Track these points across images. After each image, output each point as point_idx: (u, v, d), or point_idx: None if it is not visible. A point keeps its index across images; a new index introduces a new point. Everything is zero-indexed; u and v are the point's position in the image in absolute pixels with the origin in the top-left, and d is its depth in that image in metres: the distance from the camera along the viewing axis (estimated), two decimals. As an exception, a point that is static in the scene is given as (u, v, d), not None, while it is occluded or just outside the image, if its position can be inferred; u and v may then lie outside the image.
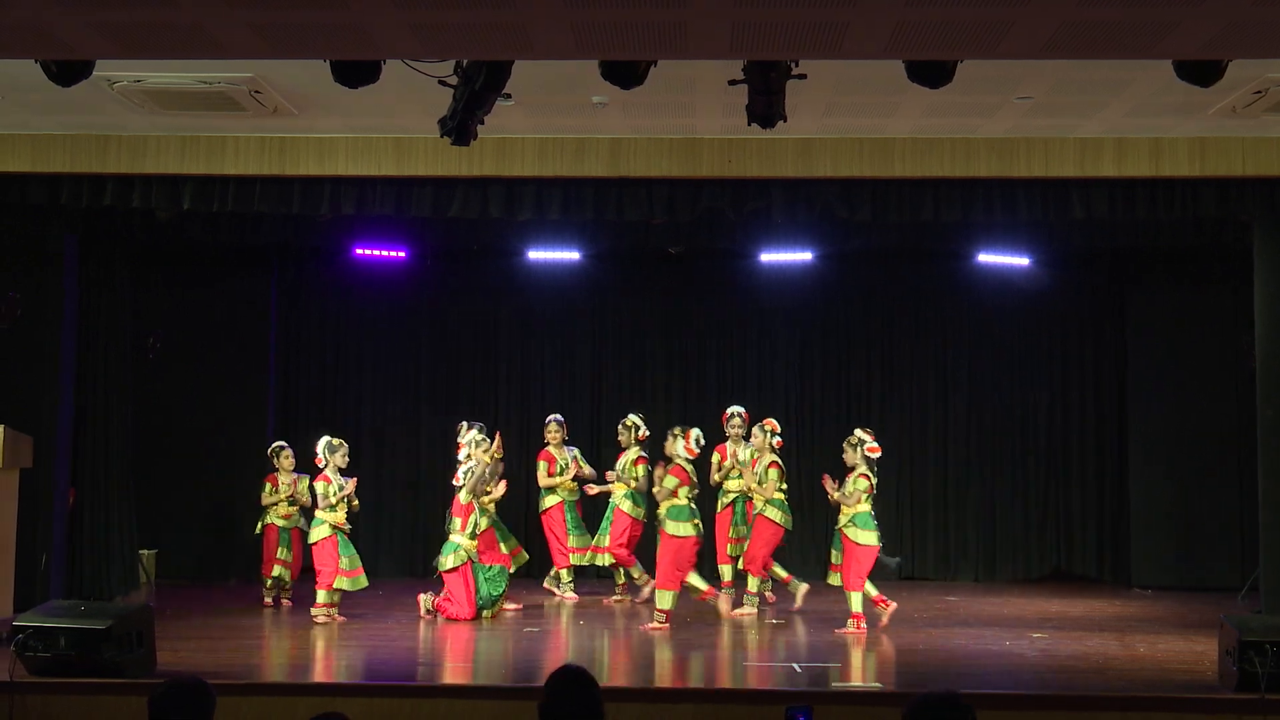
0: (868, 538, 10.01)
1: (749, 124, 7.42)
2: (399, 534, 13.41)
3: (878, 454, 10.38)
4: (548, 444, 11.79)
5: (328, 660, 9.01)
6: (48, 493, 10.68)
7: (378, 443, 13.78)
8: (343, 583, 10.39)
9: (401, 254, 13.67)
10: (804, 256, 13.49)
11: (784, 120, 7.37)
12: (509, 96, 8.02)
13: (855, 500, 10.07)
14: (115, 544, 11.76)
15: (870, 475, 10.18)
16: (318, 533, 10.54)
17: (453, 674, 8.80)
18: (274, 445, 11.68)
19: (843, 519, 10.09)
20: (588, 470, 11.84)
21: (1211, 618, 10.08)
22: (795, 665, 8.77)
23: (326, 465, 10.67)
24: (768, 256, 13.50)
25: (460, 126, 7.42)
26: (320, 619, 10.31)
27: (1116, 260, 13.37)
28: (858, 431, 10.53)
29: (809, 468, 13.78)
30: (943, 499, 13.81)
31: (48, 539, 10.63)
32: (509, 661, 9.23)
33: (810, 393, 13.95)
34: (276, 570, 11.26)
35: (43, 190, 9.95)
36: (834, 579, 10.44)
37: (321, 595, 10.38)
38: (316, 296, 14.00)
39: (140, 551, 12.42)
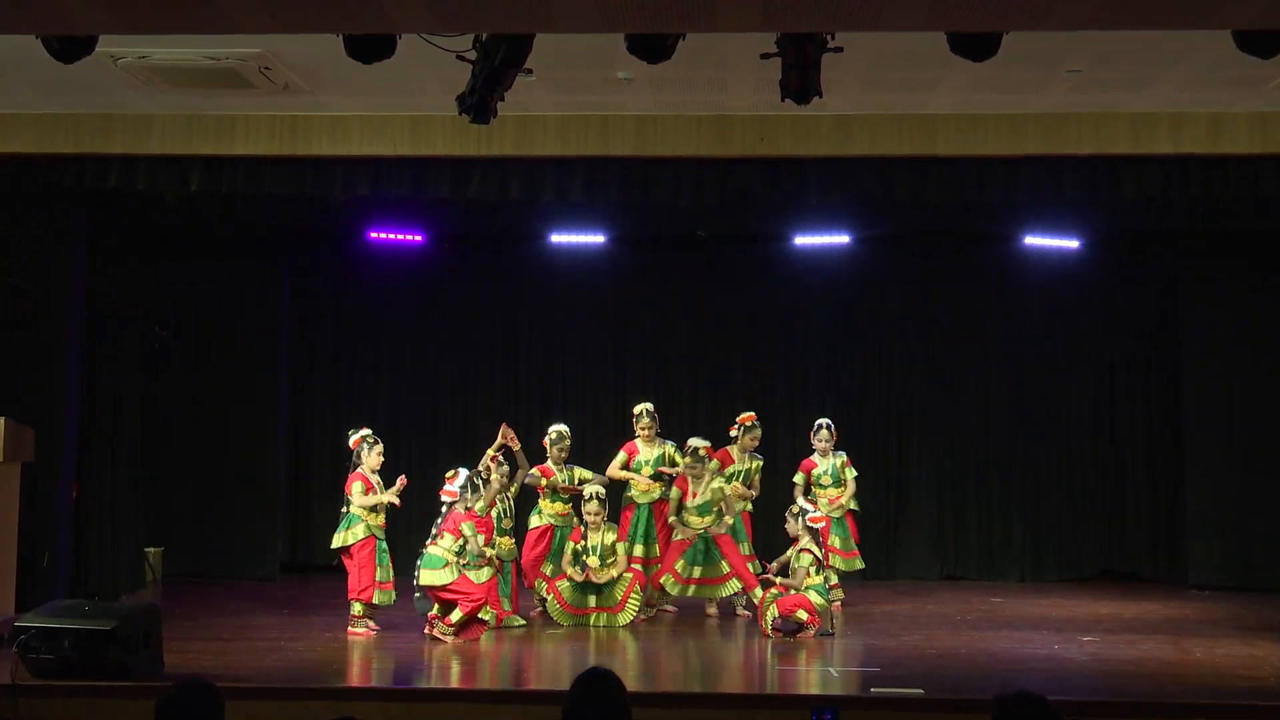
0: (822, 604, 9.98)
1: (783, 100, 7.40)
2: (417, 530, 13.40)
3: (821, 524, 10.28)
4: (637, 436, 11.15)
5: (341, 663, 9.03)
6: (51, 487, 10.74)
7: (394, 432, 13.79)
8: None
9: (418, 237, 13.69)
10: (840, 239, 13.42)
11: (819, 96, 7.34)
12: (530, 72, 8.01)
13: (801, 579, 9.96)
14: (121, 541, 11.82)
15: (815, 548, 10.08)
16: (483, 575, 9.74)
17: (470, 678, 8.80)
18: (361, 433, 10.30)
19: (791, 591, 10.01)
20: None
21: (1273, 620, 10.03)
22: (830, 669, 8.75)
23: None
24: (802, 240, 13.45)
25: (479, 104, 7.42)
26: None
27: (1171, 242, 13.25)
28: (800, 501, 10.44)
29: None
30: (986, 494, 13.75)
31: (51, 535, 10.68)
32: (529, 665, 9.27)
33: (845, 382, 13.89)
34: (378, 596, 9.92)
35: (45, 172, 10.00)
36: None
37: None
38: (330, 282, 14.03)
39: (147, 549, 12.49)
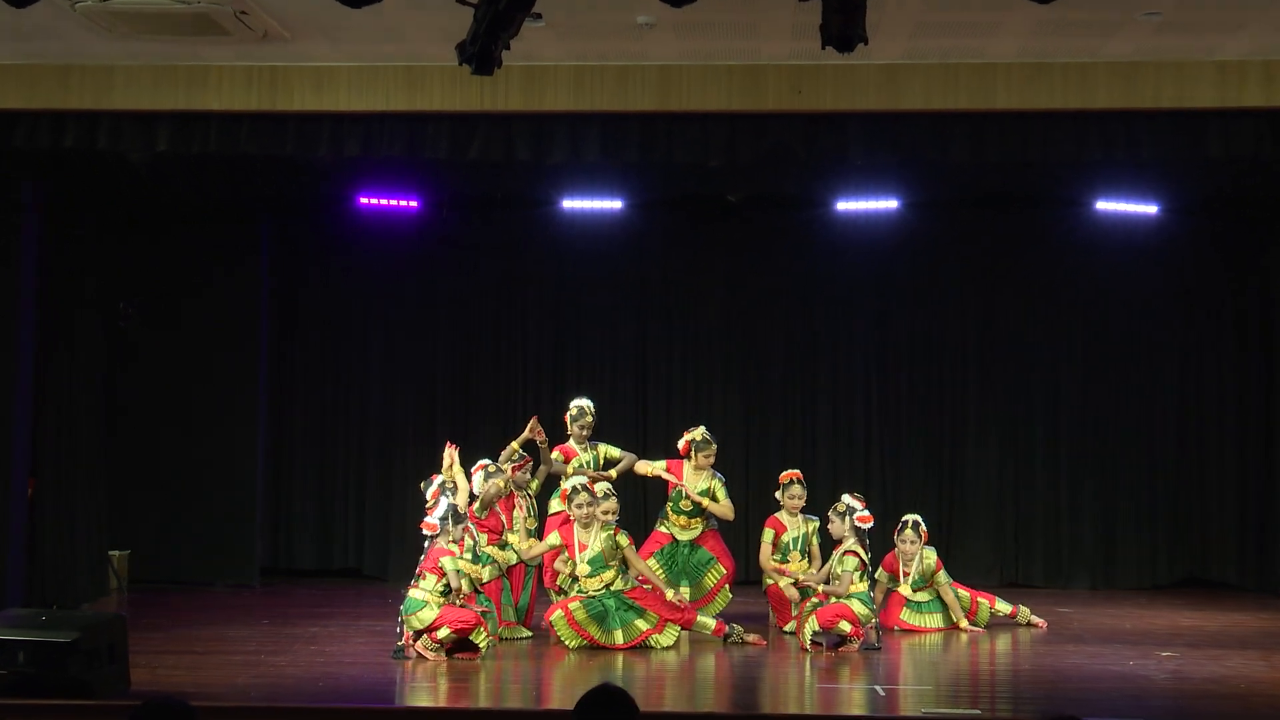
0: (867, 614, 9.99)
1: (823, 47, 7.35)
2: (412, 531, 13.44)
3: (870, 524, 10.23)
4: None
5: (328, 679, 9.06)
6: (4, 484, 10.81)
7: (387, 424, 13.85)
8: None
9: (413, 204, 13.70)
10: (888, 205, 13.42)
11: (864, 43, 7.30)
12: (539, 17, 7.99)
13: (846, 585, 9.95)
14: (82, 543, 11.88)
15: (861, 551, 10.06)
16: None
17: (460, 696, 8.84)
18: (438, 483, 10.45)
19: (832, 598, 9.98)
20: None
21: (1376, 634, 10.00)
22: (878, 688, 8.76)
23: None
24: (844, 205, 13.44)
25: (482, 53, 7.40)
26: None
27: (1263, 208, 13.20)
28: (845, 498, 10.40)
29: (891, 455, 13.75)
30: (1053, 492, 13.71)
31: (3, 538, 10.74)
32: (530, 681, 9.34)
33: (893, 364, 13.87)
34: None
35: (-6, 130, 10.03)
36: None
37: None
38: (315, 253, 14.04)
39: (111, 552, 12.54)
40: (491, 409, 13.68)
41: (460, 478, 10.09)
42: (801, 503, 10.80)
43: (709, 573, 10.80)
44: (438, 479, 10.22)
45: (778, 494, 10.91)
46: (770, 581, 10.78)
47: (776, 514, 10.88)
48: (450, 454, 10.35)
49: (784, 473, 11.04)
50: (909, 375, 13.88)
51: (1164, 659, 9.72)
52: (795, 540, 10.75)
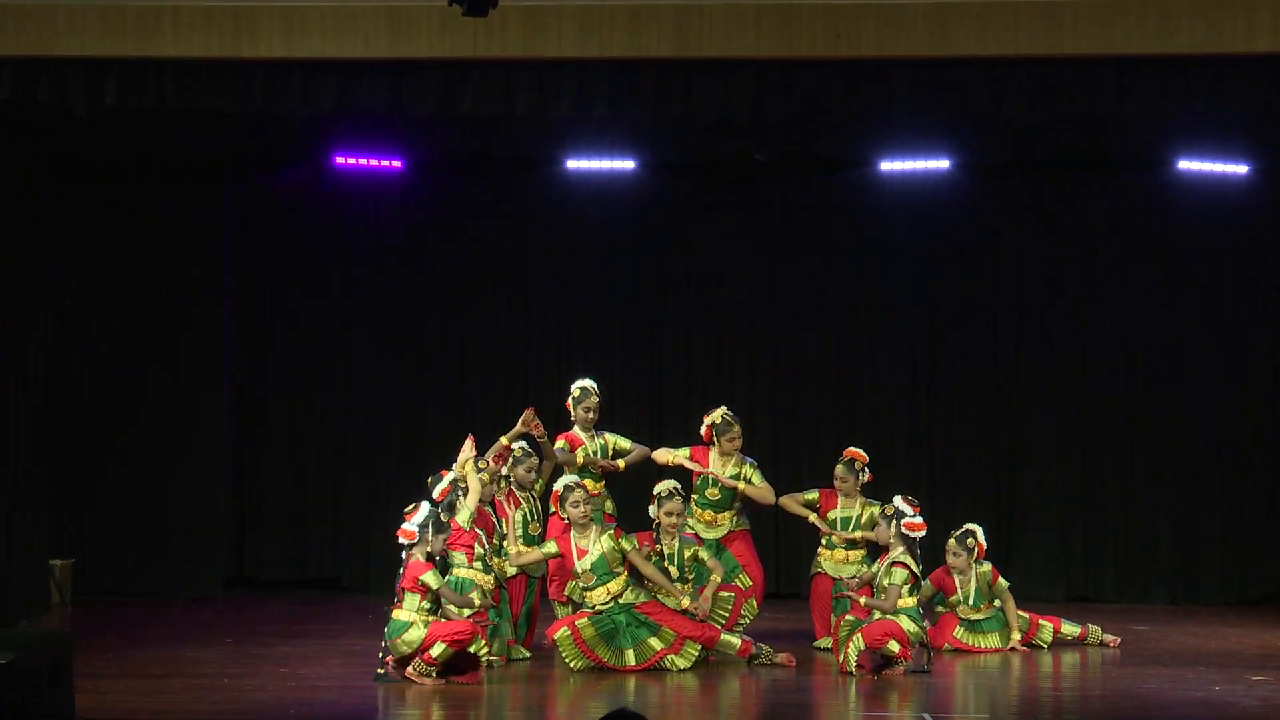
0: (916, 632, 9.95)
1: (865, -17, 7.36)
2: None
3: (921, 531, 10.19)
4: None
5: (301, 705, 9.07)
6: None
7: (369, 414, 13.83)
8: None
9: (397, 164, 13.70)
10: (938, 165, 13.42)
11: (913, -23, 7.30)
12: (540, -52, 7.98)
13: (894, 600, 9.92)
14: (19, 550, 11.88)
15: (911, 562, 10.03)
16: None
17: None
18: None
19: (877, 615, 9.97)
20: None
21: None
22: (926, 716, 8.76)
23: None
24: (888, 166, 13.45)
25: (475, -11, 7.39)
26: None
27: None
28: (896, 500, 10.38)
29: (942, 451, 13.72)
30: (1127, 495, 13.68)
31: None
32: (537, 707, 9.32)
33: (943, 346, 13.84)
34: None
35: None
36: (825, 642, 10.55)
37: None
38: (285, 221, 14.01)
39: (52, 561, 12.55)
40: (487, 398, 13.64)
41: (473, 478, 10.01)
42: (864, 481, 10.92)
43: (734, 582, 10.74)
44: (448, 475, 10.15)
45: (840, 476, 10.92)
46: (817, 571, 10.89)
47: (832, 490, 10.99)
48: (469, 448, 10.24)
49: (851, 450, 11.11)
50: (961, 360, 13.84)
51: (1254, 683, 9.70)
52: (842, 522, 10.85)
